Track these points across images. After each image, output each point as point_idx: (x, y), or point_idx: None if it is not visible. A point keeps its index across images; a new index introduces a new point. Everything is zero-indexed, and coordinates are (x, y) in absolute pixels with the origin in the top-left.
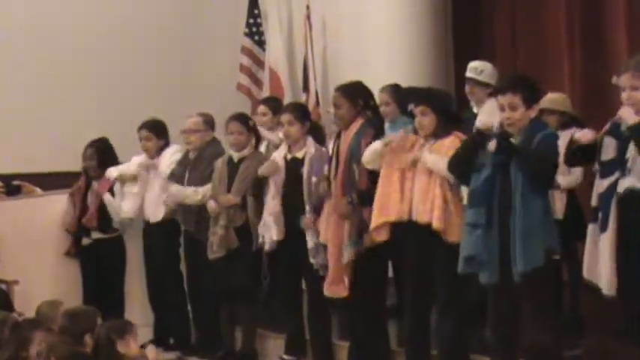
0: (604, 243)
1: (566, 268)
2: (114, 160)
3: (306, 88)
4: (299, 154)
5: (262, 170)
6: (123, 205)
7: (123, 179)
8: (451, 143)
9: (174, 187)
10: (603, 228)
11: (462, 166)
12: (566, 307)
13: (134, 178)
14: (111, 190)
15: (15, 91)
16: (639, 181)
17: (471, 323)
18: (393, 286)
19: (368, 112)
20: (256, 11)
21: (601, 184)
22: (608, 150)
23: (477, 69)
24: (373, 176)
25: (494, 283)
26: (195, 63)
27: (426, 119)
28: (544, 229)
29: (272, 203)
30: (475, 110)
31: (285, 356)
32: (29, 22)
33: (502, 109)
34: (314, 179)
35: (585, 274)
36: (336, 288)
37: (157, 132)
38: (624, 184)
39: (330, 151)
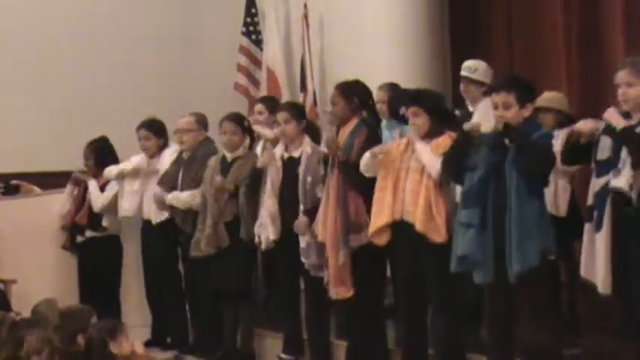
0: (599, 242)
1: (564, 267)
2: (113, 160)
3: (303, 87)
4: (295, 154)
5: (260, 162)
6: (122, 204)
7: (123, 175)
8: (443, 142)
9: (171, 196)
10: (598, 227)
11: (453, 167)
12: (565, 307)
13: (134, 174)
14: (102, 189)
15: (13, 89)
16: (627, 183)
17: (467, 323)
18: (392, 285)
19: (363, 112)
20: (254, 10)
21: (597, 183)
22: (604, 149)
23: (471, 68)
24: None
25: (489, 282)
26: (193, 62)
27: (419, 120)
28: (540, 230)
29: (268, 202)
30: (471, 109)
31: (282, 355)
32: (26, 19)
33: (496, 107)
34: (309, 179)
35: (582, 272)
36: (340, 290)
37: (155, 131)
38: (613, 184)
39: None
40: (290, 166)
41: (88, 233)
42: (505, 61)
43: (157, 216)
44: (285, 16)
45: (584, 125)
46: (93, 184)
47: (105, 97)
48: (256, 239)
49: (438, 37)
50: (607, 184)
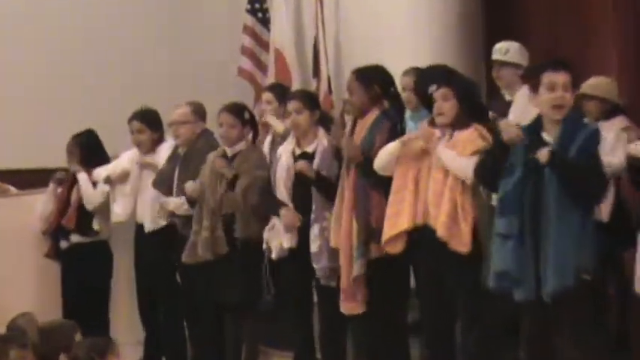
0: None
1: (612, 280)
2: (101, 157)
3: (316, 73)
4: (309, 148)
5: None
6: (114, 208)
7: (112, 181)
8: (469, 137)
9: (171, 202)
10: None
11: (489, 175)
12: (613, 324)
13: (125, 178)
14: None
15: None
16: None
17: (504, 340)
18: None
19: (385, 101)
20: None
21: None
22: None
23: (502, 49)
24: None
25: (531, 300)
26: (190, 44)
27: (447, 105)
28: (579, 244)
29: (284, 208)
30: (508, 97)
31: None
32: (9, 9)
33: (551, 88)
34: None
35: (637, 288)
36: (350, 305)
37: (150, 123)
38: None
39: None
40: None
41: (74, 238)
42: (545, 45)
43: (152, 223)
44: None
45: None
46: (84, 178)
47: (90, 86)
48: (265, 245)
49: (470, 20)
50: None
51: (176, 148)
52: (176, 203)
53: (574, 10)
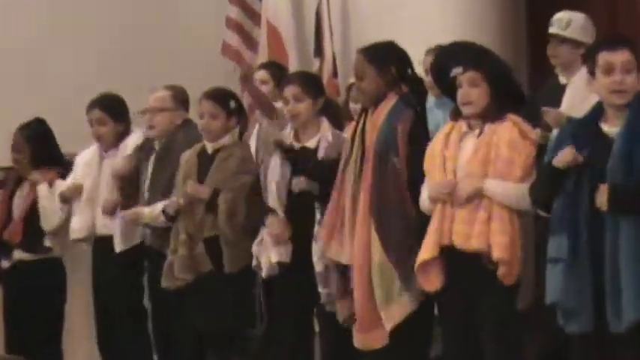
0: None
1: None
2: (53, 152)
3: (318, 52)
4: (310, 143)
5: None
6: (72, 223)
7: (67, 198)
8: (509, 134)
9: (145, 213)
10: None
11: (549, 197)
12: None
13: (75, 192)
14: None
15: None
16: None
17: None
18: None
19: (403, 85)
20: None
21: None
22: None
23: (562, 21)
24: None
25: (587, 332)
26: (165, 15)
27: (475, 91)
28: None
29: (274, 212)
30: (563, 81)
31: None
32: None
33: (608, 70)
34: None
35: None
36: (367, 337)
37: (113, 113)
38: None
39: (350, 139)
40: (302, 159)
41: (18, 254)
42: (602, 17)
43: (124, 241)
44: None
45: None
46: (44, 192)
47: (42, 69)
48: (254, 262)
49: None
50: None
51: (147, 141)
52: (152, 214)
53: None
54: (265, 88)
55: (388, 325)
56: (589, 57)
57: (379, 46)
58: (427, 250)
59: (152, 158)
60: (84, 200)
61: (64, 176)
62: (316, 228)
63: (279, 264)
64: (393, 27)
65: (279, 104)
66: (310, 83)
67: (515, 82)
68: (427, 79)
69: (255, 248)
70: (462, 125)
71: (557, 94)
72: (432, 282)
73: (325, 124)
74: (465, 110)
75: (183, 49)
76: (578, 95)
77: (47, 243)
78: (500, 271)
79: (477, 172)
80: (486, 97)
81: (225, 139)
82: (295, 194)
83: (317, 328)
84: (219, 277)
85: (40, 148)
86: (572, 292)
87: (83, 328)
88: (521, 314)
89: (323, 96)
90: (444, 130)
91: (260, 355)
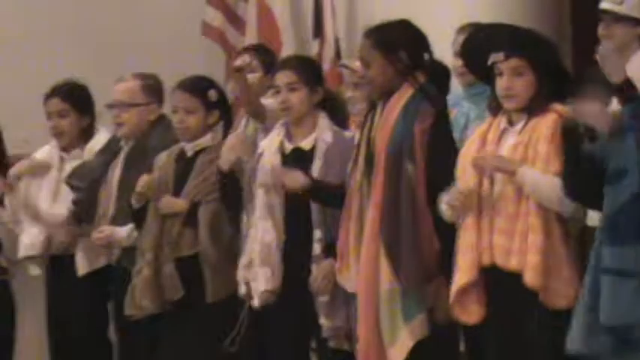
0: None
1: None
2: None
3: (318, 33)
4: (305, 144)
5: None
6: (22, 238)
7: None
8: (551, 128)
9: (121, 233)
10: None
11: (584, 186)
12: None
13: (22, 204)
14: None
15: None
16: None
17: None
18: None
19: (419, 75)
20: None
21: None
22: None
23: None
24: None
25: None
26: None
27: (519, 82)
28: None
29: (262, 228)
30: None
31: None
32: None
33: None
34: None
35: None
36: None
37: (76, 103)
38: None
39: (356, 139)
40: (295, 163)
41: None
42: None
43: (87, 262)
44: None
45: None
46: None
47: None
48: (241, 289)
49: None
50: None
51: (113, 140)
52: (127, 234)
53: None
54: (253, 77)
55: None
56: None
57: (388, 27)
58: (464, 273)
59: (120, 161)
60: (37, 212)
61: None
62: (315, 247)
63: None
64: (408, 3)
65: (267, 101)
66: (307, 69)
67: (564, 67)
68: (457, 64)
69: (241, 272)
70: (502, 121)
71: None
72: (472, 312)
73: (324, 120)
74: (507, 104)
75: (156, 32)
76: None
77: (3, 263)
78: (542, 296)
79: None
80: (532, 88)
81: (206, 139)
82: (290, 206)
83: None
84: (193, 308)
85: None
86: None
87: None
88: None
89: (322, 86)
90: (481, 128)
91: None
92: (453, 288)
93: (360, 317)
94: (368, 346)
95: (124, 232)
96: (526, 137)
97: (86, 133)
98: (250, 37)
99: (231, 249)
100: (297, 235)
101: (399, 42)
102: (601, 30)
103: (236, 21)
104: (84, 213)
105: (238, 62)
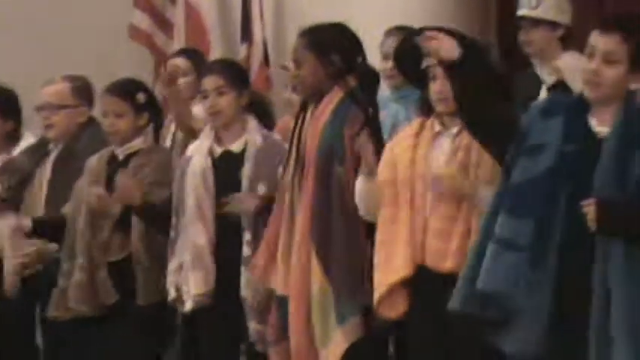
0: None
1: None
2: None
3: (246, 36)
4: (235, 146)
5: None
6: None
7: None
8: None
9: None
10: None
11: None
12: None
13: None
14: None
15: None
16: None
17: None
18: None
19: (350, 78)
20: None
21: None
22: None
23: (532, 0)
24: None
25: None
26: None
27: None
28: None
29: (193, 231)
30: (541, 72)
31: None
32: None
33: (590, 54)
34: (262, 188)
35: None
36: None
37: (1, 107)
38: None
39: (289, 142)
40: (226, 166)
41: None
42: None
43: (14, 270)
44: None
45: None
46: None
47: None
48: (171, 294)
49: None
50: None
51: (42, 142)
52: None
53: None
54: (186, 81)
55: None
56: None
57: (323, 29)
58: (401, 268)
59: (49, 164)
60: None
61: None
62: (245, 249)
63: (200, 296)
64: (339, 5)
65: (197, 110)
66: (233, 73)
67: (497, 72)
68: (386, 66)
69: (171, 277)
70: (435, 123)
71: (534, 84)
72: (397, 306)
73: (253, 123)
74: (440, 107)
75: (87, 34)
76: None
77: None
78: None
79: (455, 177)
80: None
81: (138, 142)
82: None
83: None
84: (125, 313)
85: None
86: (526, 289)
87: None
88: None
89: (249, 89)
90: (410, 128)
91: None
92: (384, 282)
93: (291, 319)
94: (299, 348)
95: (54, 246)
96: (465, 141)
97: (11, 138)
98: (178, 41)
99: (163, 252)
100: (227, 237)
101: (333, 45)
102: (521, 36)
103: (164, 24)
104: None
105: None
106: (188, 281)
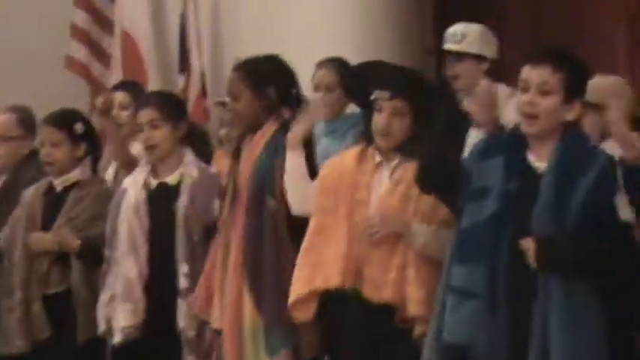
0: None
1: None
2: None
3: (184, 67)
4: (170, 179)
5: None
6: None
7: None
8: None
9: None
10: None
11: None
12: None
13: None
14: None
15: None
16: None
17: None
18: None
19: (284, 110)
20: None
21: None
22: None
23: (457, 35)
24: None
25: None
26: None
27: (397, 122)
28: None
29: (125, 264)
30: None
31: None
32: None
33: (525, 89)
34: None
35: None
36: None
37: None
38: None
39: (226, 176)
40: (161, 199)
41: None
42: (522, 31)
43: None
44: None
45: None
46: None
47: None
48: (101, 327)
49: None
50: None
51: None
52: None
53: None
54: (126, 114)
55: None
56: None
57: (258, 61)
58: (331, 278)
59: None
60: None
61: None
62: (182, 281)
63: (129, 328)
64: (274, 37)
65: (136, 148)
66: (168, 105)
67: (444, 116)
68: (316, 97)
69: (101, 310)
70: (375, 154)
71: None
72: (307, 311)
73: (189, 155)
74: (382, 142)
75: (23, 63)
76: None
77: None
78: (417, 331)
79: (397, 208)
80: (408, 130)
81: (75, 173)
82: (156, 244)
83: None
84: (60, 347)
85: None
86: (485, 337)
87: None
88: None
89: (186, 121)
90: (351, 154)
91: None
92: (308, 284)
93: (226, 354)
94: None
95: None
96: (406, 176)
97: None
98: (115, 72)
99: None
100: (162, 269)
101: (268, 77)
102: (448, 71)
103: (100, 54)
104: None
105: (101, 105)
106: (117, 313)
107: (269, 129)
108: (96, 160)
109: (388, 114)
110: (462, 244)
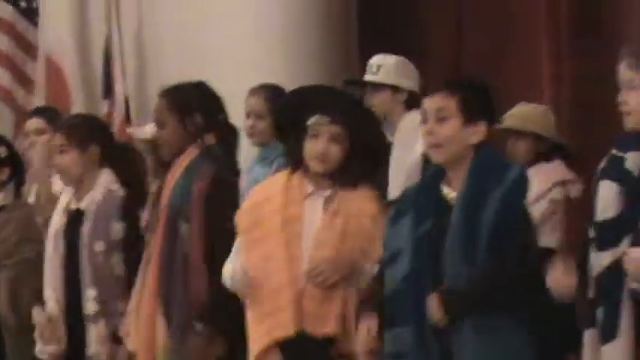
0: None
1: None
2: None
3: (108, 92)
4: (83, 204)
5: None
6: None
7: None
8: (372, 206)
9: None
10: (608, 334)
11: None
12: None
13: None
14: None
15: None
16: None
17: None
18: None
19: (208, 137)
20: None
21: (599, 261)
22: (608, 202)
23: (373, 66)
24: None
25: None
26: None
27: (335, 148)
28: None
29: (47, 291)
30: (388, 136)
31: None
32: None
33: (424, 119)
34: (99, 248)
35: None
36: None
37: None
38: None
39: (151, 202)
40: (75, 224)
41: None
42: (448, 60)
43: None
44: None
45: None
46: None
47: None
48: (38, 347)
49: (341, 24)
50: (619, 259)
51: None
52: None
53: (492, 11)
54: (42, 139)
55: None
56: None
57: (183, 88)
58: (286, 326)
59: None
60: None
61: None
62: (89, 306)
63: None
64: (201, 61)
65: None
66: (76, 130)
67: (380, 147)
68: (248, 124)
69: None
70: (306, 183)
71: None
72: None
73: (102, 177)
74: (319, 167)
75: None
76: (403, 148)
77: None
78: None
79: (333, 243)
80: (344, 158)
81: None
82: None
83: None
84: None
85: None
86: None
87: None
88: None
89: (100, 144)
90: (277, 181)
91: None
92: (269, 334)
93: None
94: None
95: None
96: (343, 208)
97: None
98: (39, 97)
99: (31, 314)
100: (75, 296)
101: (194, 104)
102: (366, 101)
103: (23, 80)
104: None
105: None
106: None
107: (190, 154)
108: (19, 185)
109: (327, 139)
110: (386, 312)
